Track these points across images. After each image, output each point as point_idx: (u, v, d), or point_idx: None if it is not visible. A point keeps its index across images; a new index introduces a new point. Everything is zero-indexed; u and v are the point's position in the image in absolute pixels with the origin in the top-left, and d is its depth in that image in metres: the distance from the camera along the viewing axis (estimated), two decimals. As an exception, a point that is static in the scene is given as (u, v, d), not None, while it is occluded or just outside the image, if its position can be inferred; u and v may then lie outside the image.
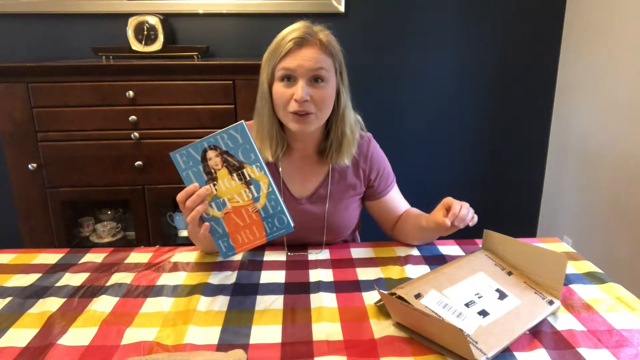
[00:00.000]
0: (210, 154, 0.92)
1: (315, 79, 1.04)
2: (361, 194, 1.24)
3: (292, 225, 0.97)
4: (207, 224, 0.94)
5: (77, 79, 1.82)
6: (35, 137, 1.85)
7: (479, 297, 0.87)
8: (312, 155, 1.18)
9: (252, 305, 0.93)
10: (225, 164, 0.93)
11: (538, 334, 0.83)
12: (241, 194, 0.94)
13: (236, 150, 0.92)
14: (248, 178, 0.94)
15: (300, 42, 1.03)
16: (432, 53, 2.30)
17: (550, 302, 0.89)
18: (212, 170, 0.93)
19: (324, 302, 0.94)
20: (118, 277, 1.04)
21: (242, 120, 0.92)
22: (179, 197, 0.93)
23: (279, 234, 0.97)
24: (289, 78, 1.05)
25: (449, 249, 1.18)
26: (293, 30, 1.05)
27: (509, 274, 0.95)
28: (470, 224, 1.02)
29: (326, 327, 0.86)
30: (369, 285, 1.00)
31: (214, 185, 0.93)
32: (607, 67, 1.97)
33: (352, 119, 1.15)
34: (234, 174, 0.93)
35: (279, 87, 1.06)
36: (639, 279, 1.78)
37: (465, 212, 1.00)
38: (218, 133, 0.91)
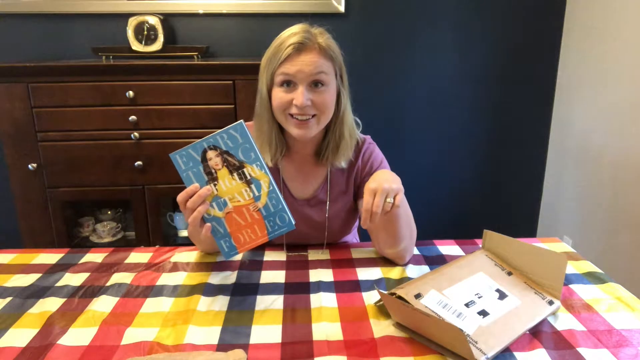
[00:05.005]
0: (210, 154, 0.92)
1: (315, 84, 1.04)
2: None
3: (294, 223, 0.97)
4: (209, 224, 0.94)
5: (77, 79, 1.82)
6: (35, 137, 1.85)
7: (479, 297, 0.87)
8: (311, 156, 1.18)
9: (252, 305, 0.93)
10: (225, 164, 0.93)
11: (538, 334, 0.84)
12: (242, 193, 0.94)
13: (236, 150, 0.92)
14: (249, 177, 0.94)
15: (300, 47, 1.02)
16: (432, 53, 2.30)
17: (550, 302, 0.89)
18: (213, 171, 0.93)
19: (324, 302, 0.94)
20: (118, 277, 1.04)
21: (242, 120, 0.92)
22: (180, 198, 0.93)
23: (280, 232, 0.97)
24: (289, 83, 1.04)
25: (449, 249, 1.18)
26: (292, 35, 1.04)
27: (509, 274, 0.95)
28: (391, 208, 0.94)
29: (326, 327, 0.86)
30: (369, 285, 1.01)
31: (215, 185, 0.93)
32: (607, 67, 1.97)
33: (352, 121, 1.15)
34: (235, 174, 0.93)
35: (278, 92, 1.05)
36: (639, 279, 1.78)
37: (378, 202, 0.92)
38: (217, 133, 0.91)
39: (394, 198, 0.94)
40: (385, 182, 0.94)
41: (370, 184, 0.95)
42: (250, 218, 0.96)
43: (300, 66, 1.02)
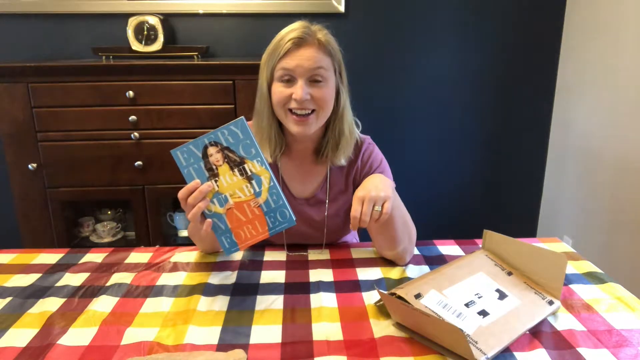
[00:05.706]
0: (211, 150, 0.92)
1: (315, 79, 1.04)
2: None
3: (294, 219, 0.97)
4: (209, 220, 0.93)
5: (77, 79, 1.82)
6: (35, 137, 1.85)
7: (478, 297, 0.87)
8: (311, 155, 1.18)
9: (252, 305, 0.93)
10: (226, 160, 0.93)
11: (538, 334, 0.84)
12: (243, 189, 0.94)
13: (237, 146, 0.92)
14: (249, 173, 0.94)
15: (299, 42, 1.03)
16: (432, 53, 2.30)
17: (550, 302, 0.89)
18: (214, 167, 0.93)
19: (324, 302, 0.94)
20: (118, 277, 1.04)
21: (242, 116, 0.92)
22: (181, 194, 0.93)
23: (281, 228, 0.97)
24: (288, 78, 1.05)
25: (449, 249, 1.18)
26: (292, 31, 1.05)
27: (509, 274, 0.95)
28: (381, 216, 0.94)
29: (326, 327, 0.86)
30: (369, 285, 1.01)
31: (216, 181, 0.93)
32: (607, 67, 1.97)
33: (351, 119, 1.15)
34: (235, 170, 0.93)
35: (278, 87, 1.05)
36: (639, 279, 1.78)
37: (366, 210, 0.93)
38: (218, 129, 0.92)
39: (382, 206, 0.94)
40: (373, 190, 0.95)
41: (358, 192, 0.96)
42: (251, 214, 0.96)
43: (300, 61, 1.02)
